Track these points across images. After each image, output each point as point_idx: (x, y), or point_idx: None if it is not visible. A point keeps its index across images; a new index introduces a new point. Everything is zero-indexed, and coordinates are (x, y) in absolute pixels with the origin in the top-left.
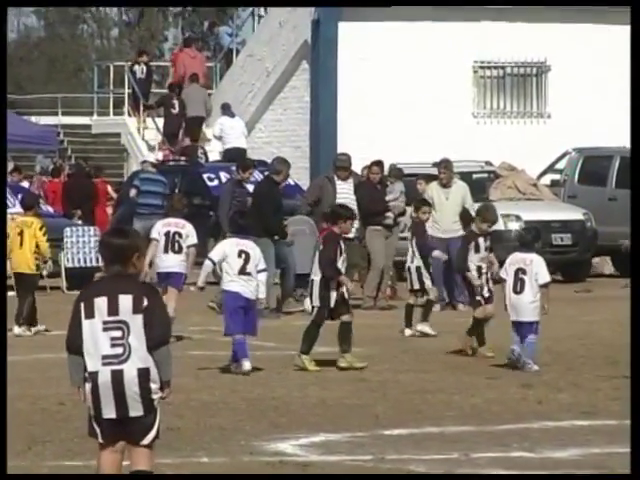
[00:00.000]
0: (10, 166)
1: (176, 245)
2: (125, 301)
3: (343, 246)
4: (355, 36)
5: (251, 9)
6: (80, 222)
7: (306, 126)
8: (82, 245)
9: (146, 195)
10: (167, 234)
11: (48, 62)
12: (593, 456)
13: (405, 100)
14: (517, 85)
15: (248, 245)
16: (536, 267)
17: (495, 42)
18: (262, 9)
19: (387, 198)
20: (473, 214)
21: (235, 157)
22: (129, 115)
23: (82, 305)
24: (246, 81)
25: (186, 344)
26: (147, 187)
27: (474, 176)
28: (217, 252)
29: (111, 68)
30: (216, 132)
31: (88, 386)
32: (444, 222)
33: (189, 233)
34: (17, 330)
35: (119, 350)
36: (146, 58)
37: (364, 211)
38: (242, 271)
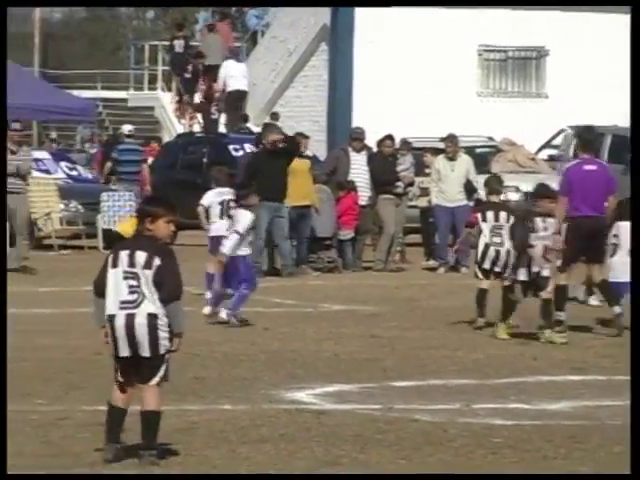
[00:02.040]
0: (53, 135)
1: (230, 211)
2: (139, 256)
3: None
4: (370, 20)
5: None
6: (115, 187)
7: (324, 102)
8: (117, 209)
9: (125, 164)
10: (222, 202)
11: (89, 40)
12: (584, 408)
13: (415, 80)
14: (518, 67)
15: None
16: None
17: (498, 28)
18: None
19: (398, 169)
20: (475, 186)
21: (237, 99)
22: (162, 90)
23: (111, 257)
24: (269, 60)
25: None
26: (126, 157)
27: (477, 150)
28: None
29: (146, 47)
30: (221, 74)
31: (108, 327)
32: (450, 192)
33: None
34: None
35: (134, 296)
36: (184, 32)
37: (376, 181)
38: None
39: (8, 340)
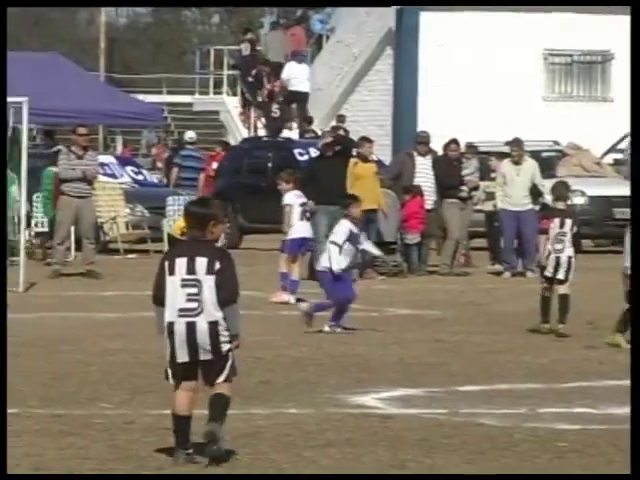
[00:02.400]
0: (119, 140)
1: (307, 214)
2: (200, 263)
3: None
4: (435, 24)
5: None
6: (182, 192)
7: (389, 106)
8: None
9: (186, 170)
10: (303, 204)
11: (154, 45)
12: None
13: (481, 84)
14: (583, 71)
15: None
16: None
17: (564, 32)
18: None
19: (463, 173)
20: (541, 190)
21: (297, 100)
22: (227, 95)
23: (167, 264)
24: (335, 65)
25: (276, 305)
26: (188, 163)
27: (543, 154)
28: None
29: (211, 52)
30: (284, 75)
31: (166, 334)
32: (515, 196)
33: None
34: None
35: (194, 304)
36: (250, 36)
37: (441, 185)
38: None
39: (75, 344)
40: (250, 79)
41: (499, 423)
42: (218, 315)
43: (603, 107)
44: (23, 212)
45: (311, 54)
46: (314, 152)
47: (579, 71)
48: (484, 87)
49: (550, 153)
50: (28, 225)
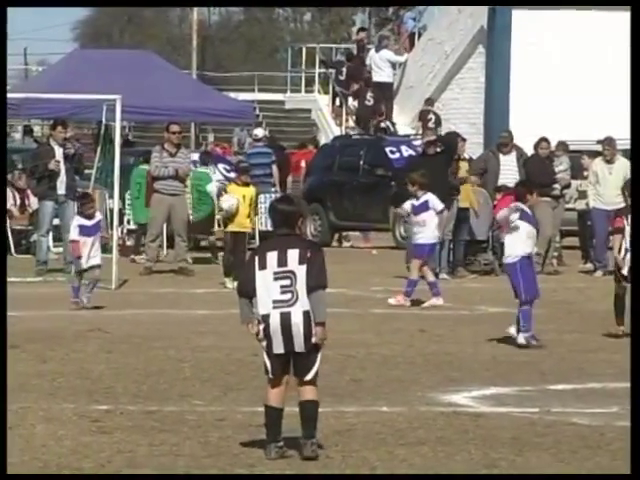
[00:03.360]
0: (210, 138)
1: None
2: (292, 254)
3: None
4: (528, 23)
5: None
6: (273, 190)
7: (481, 105)
8: None
9: (256, 167)
10: (441, 211)
11: (246, 43)
12: None
13: (572, 82)
14: None
15: None
16: None
17: None
18: None
19: (556, 170)
20: None
21: (381, 90)
22: (319, 93)
23: (256, 258)
24: (427, 62)
25: (367, 303)
26: (255, 160)
27: None
28: None
29: (304, 50)
30: (368, 65)
31: (261, 327)
32: (607, 195)
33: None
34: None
35: (288, 296)
36: (362, 35)
37: (532, 183)
38: None
39: (167, 341)
40: (341, 77)
41: (591, 422)
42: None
43: None
44: (116, 209)
45: (403, 52)
46: (405, 150)
47: None
48: (576, 85)
49: None
50: (120, 222)
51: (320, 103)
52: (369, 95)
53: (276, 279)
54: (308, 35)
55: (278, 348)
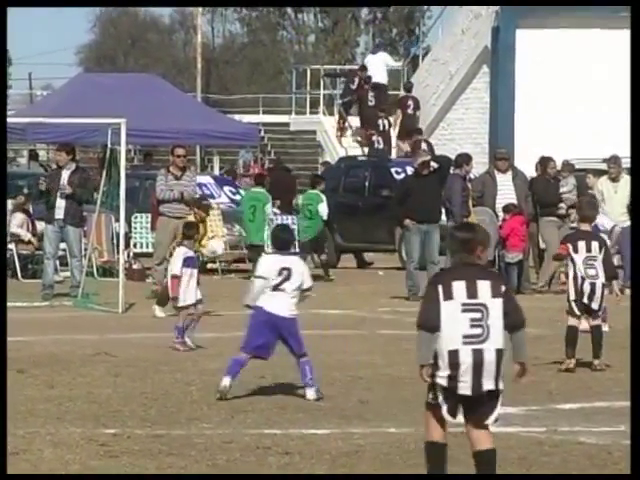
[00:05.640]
0: (216, 161)
1: None
2: (484, 286)
3: None
4: (532, 42)
5: (436, 17)
6: (279, 211)
7: (486, 125)
8: None
9: None
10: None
11: (250, 65)
12: None
13: (577, 101)
14: None
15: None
16: None
17: None
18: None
19: (560, 191)
20: None
21: (380, 91)
22: (324, 114)
23: (440, 288)
24: (431, 83)
25: (374, 324)
26: None
27: None
28: None
29: (308, 71)
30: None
31: (445, 362)
32: (613, 213)
33: None
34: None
35: (478, 330)
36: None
37: (539, 203)
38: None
39: (174, 364)
40: (346, 99)
41: (598, 441)
42: (503, 342)
43: None
44: (122, 233)
45: (407, 73)
46: (411, 170)
47: None
48: (580, 104)
49: None
50: (127, 246)
51: (325, 124)
52: (370, 95)
53: (465, 311)
54: (312, 56)
55: (465, 389)
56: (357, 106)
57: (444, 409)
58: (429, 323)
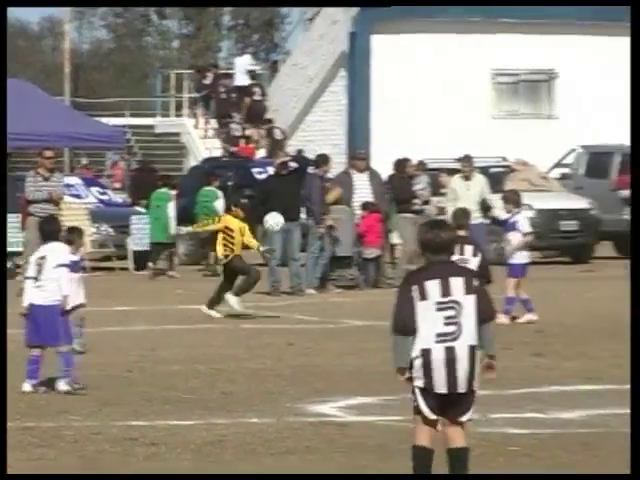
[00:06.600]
0: (84, 162)
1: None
2: (457, 283)
3: None
4: (387, 47)
5: (295, 22)
6: (144, 210)
7: (343, 126)
8: (147, 231)
9: None
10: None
11: (117, 70)
12: (598, 417)
13: (431, 104)
14: (529, 90)
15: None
16: None
17: (510, 52)
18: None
19: (414, 189)
20: (490, 204)
21: (237, 94)
22: (188, 117)
23: (415, 288)
24: (291, 87)
25: (238, 318)
26: None
27: (491, 170)
28: None
29: (172, 75)
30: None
31: (419, 362)
32: None
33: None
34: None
35: (452, 328)
36: (215, 71)
37: (395, 200)
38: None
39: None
40: (203, 93)
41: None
42: (476, 338)
43: (549, 124)
44: None
45: (268, 78)
46: (271, 170)
47: (525, 90)
48: (434, 107)
49: (498, 169)
50: None
51: (189, 127)
52: (221, 89)
53: (439, 309)
54: (177, 61)
55: (440, 387)
56: (214, 101)
57: (425, 410)
58: (406, 327)
